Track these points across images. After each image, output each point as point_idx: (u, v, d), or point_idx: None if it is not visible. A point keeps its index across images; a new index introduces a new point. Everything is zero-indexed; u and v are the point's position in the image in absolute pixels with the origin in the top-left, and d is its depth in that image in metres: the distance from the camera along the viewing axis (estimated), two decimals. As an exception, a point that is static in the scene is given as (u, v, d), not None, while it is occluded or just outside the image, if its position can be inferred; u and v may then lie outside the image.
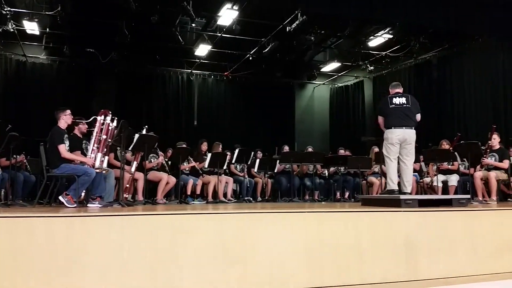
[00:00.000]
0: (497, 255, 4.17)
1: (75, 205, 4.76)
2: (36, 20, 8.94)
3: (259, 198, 8.63)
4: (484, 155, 6.75)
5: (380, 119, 5.64)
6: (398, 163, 5.55)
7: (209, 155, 7.55)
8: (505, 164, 6.68)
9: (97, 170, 5.00)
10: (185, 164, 7.58)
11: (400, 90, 5.65)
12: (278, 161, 8.58)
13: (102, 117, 5.22)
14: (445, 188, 7.33)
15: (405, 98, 5.49)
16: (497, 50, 9.60)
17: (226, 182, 7.99)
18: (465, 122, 10.18)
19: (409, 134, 5.40)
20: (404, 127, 5.38)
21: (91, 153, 5.12)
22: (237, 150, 8.06)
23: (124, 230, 3.22)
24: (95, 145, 5.13)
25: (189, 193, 7.42)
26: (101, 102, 10.20)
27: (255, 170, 8.65)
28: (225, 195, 7.89)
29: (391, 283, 3.73)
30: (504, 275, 4.12)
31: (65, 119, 5.18)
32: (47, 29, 9.50)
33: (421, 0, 7.89)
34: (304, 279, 3.51)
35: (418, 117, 5.57)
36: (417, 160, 8.09)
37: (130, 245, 3.18)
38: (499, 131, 7.12)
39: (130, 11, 8.06)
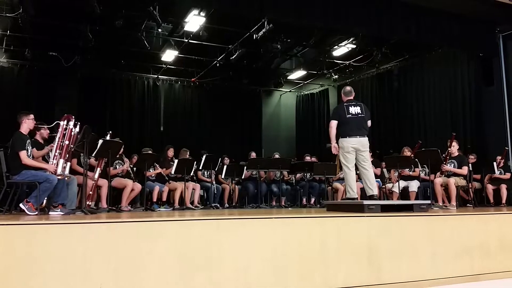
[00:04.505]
0: (456, 259, 4.31)
1: (36, 212, 4.62)
2: (-4, 22, 8.66)
3: (227, 205, 8.61)
4: (444, 162, 7.00)
5: (335, 124, 5.75)
6: (358, 169, 5.70)
7: (176, 161, 7.49)
8: (464, 170, 6.94)
9: (59, 177, 4.87)
10: (151, 170, 7.49)
11: (352, 96, 5.83)
12: (245, 167, 8.61)
13: (65, 122, 5.09)
14: (406, 194, 7.54)
15: (359, 108, 5.67)
16: (456, 60, 10.01)
17: (193, 189, 7.94)
18: (425, 129, 10.53)
19: (363, 142, 5.60)
20: (358, 136, 5.56)
21: (53, 159, 4.99)
22: (204, 156, 8.03)
23: (87, 238, 3.14)
24: (58, 151, 5.00)
25: (155, 200, 7.31)
26: (64, 107, 9.96)
27: (222, 176, 8.64)
28: (192, 201, 7.83)
29: (354, 287, 3.80)
30: (463, 278, 4.27)
31: (27, 124, 5.04)
32: (8, 31, 9.18)
33: (383, 12, 8.13)
34: (269, 284, 3.53)
35: (369, 123, 5.79)
36: (378, 166, 8.32)
37: (93, 254, 3.11)
38: (457, 139, 7.40)
39: (94, 15, 7.91)
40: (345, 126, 5.59)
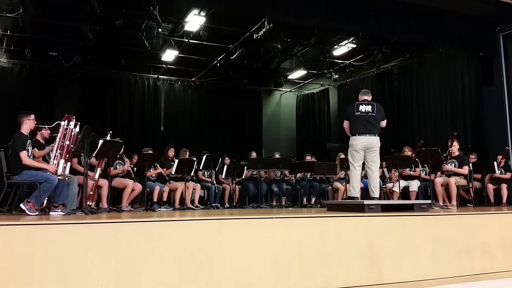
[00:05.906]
0: (457, 259, 4.31)
1: (37, 213, 4.61)
2: (-4, 22, 8.65)
3: (227, 205, 8.61)
4: (444, 162, 6.99)
5: (346, 124, 5.78)
6: (364, 169, 5.69)
7: (176, 161, 7.49)
8: (465, 170, 6.93)
9: (60, 177, 4.87)
10: (151, 170, 7.48)
11: (369, 97, 5.78)
12: (245, 167, 8.61)
13: (66, 122, 5.08)
14: (406, 194, 7.54)
15: (370, 106, 5.63)
16: (456, 60, 10.01)
17: (194, 189, 7.93)
18: (425, 129, 10.53)
19: (373, 141, 5.56)
20: (368, 134, 5.53)
21: (53, 160, 4.98)
22: (204, 156, 8.03)
23: (88, 238, 3.14)
24: (58, 151, 5.00)
25: (155, 200, 7.31)
26: (64, 107, 9.97)
27: (223, 176, 8.63)
28: (192, 201, 7.83)
29: (355, 287, 3.80)
30: (463, 278, 4.27)
31: (28, 124, 5.04)
32: (8, 31, 9.17)
33: (383, 11, 8.12)
34: (270, 284, 3.52)
35: (383, 123, 5.75)
36: (379, 166, 8.31)
37: (94, 254, 3.11)
38: (457, 138, 7.39)
39: (94, 15, 7.91)
40: (354, 124, 5.59)
